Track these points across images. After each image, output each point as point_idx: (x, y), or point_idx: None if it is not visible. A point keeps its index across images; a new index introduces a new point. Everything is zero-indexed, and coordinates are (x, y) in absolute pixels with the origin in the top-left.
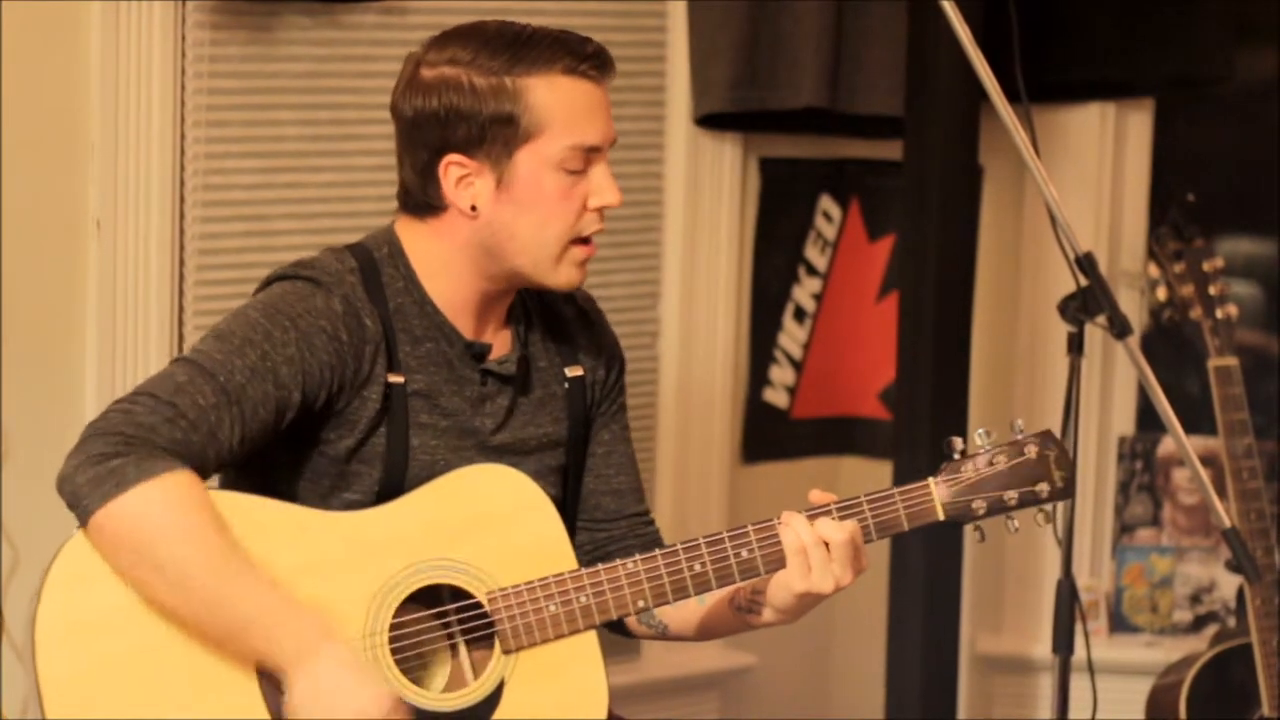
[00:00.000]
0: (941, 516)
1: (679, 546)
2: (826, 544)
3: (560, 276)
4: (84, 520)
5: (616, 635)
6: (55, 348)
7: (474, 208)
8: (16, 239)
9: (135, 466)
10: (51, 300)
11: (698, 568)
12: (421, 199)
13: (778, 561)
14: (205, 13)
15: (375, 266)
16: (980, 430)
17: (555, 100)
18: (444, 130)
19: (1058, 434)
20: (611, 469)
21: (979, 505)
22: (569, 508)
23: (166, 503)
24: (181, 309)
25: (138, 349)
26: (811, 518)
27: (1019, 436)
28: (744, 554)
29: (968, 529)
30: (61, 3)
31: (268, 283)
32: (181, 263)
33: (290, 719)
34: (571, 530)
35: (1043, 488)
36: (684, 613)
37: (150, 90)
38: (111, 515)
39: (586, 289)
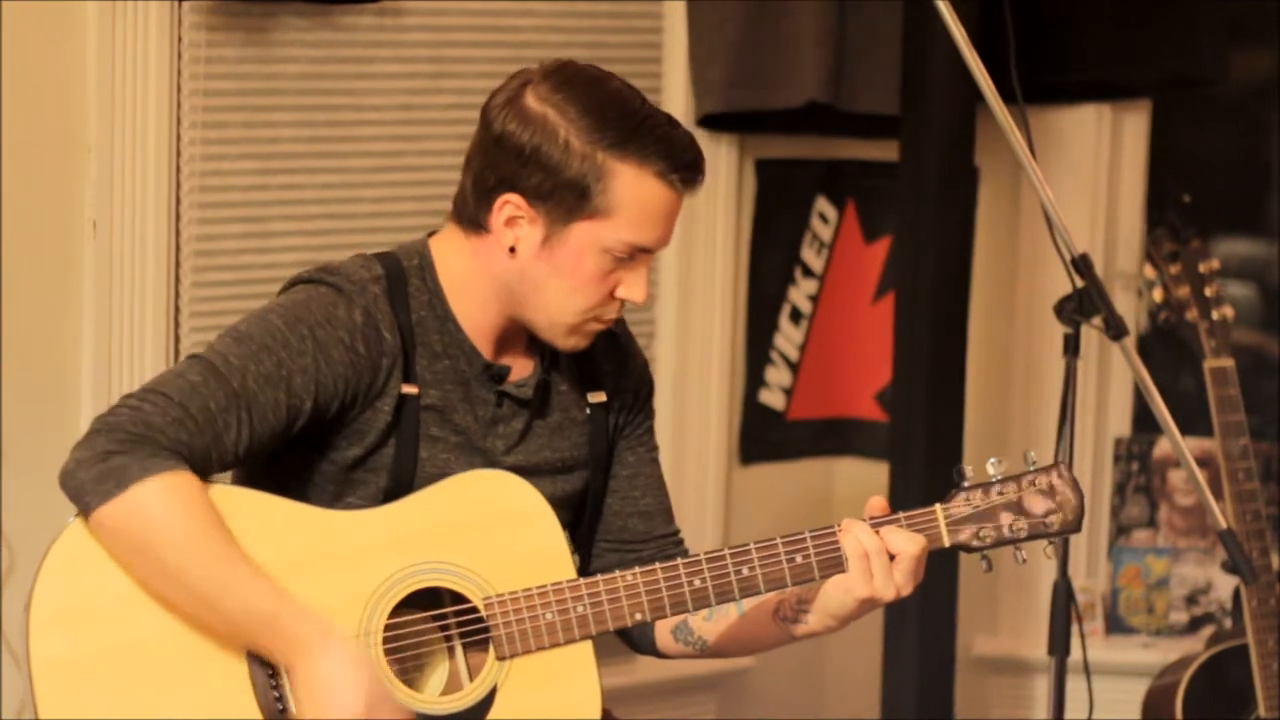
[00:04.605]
0: (947, 543)
1: (679, 561)
2: (891, 554)
3: (567, 342)
4: (86, 515)
5: (650, 656)
6: (51, 349)
7: (513, 249)
8: (13, 240)
9: (138, 465)
10: (48, 301)
11: (696, 583)
12: (473, 213)
13: (779, 580)
14: (202, 14)
15: (403, 277)
16: (991, 460)
17: (635, 196)
18: (521, 168)
19: (1054, 435)
20: (638, 491)
21: (987, 534)
22: (587, 530)
23: (165, 503)
24: (177, 310)
25: (134, 350)
26: (876, 526)
27: (1030, 467)
28: (744, 571)
29: (974, 557)
30: (58, 3)
31: (291, 284)
32: (177, 264)
33: (294, 714)
34: (589, 552)
35: (1053, 520)
36: (723, 627)
37: (147, 91)
38: (112, 514)
39: None
